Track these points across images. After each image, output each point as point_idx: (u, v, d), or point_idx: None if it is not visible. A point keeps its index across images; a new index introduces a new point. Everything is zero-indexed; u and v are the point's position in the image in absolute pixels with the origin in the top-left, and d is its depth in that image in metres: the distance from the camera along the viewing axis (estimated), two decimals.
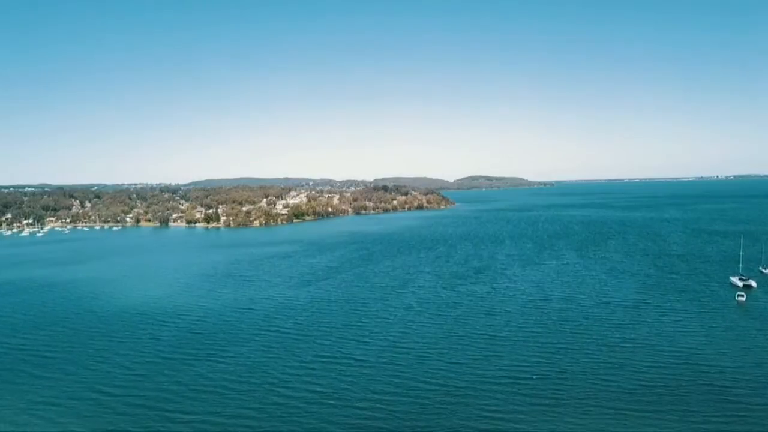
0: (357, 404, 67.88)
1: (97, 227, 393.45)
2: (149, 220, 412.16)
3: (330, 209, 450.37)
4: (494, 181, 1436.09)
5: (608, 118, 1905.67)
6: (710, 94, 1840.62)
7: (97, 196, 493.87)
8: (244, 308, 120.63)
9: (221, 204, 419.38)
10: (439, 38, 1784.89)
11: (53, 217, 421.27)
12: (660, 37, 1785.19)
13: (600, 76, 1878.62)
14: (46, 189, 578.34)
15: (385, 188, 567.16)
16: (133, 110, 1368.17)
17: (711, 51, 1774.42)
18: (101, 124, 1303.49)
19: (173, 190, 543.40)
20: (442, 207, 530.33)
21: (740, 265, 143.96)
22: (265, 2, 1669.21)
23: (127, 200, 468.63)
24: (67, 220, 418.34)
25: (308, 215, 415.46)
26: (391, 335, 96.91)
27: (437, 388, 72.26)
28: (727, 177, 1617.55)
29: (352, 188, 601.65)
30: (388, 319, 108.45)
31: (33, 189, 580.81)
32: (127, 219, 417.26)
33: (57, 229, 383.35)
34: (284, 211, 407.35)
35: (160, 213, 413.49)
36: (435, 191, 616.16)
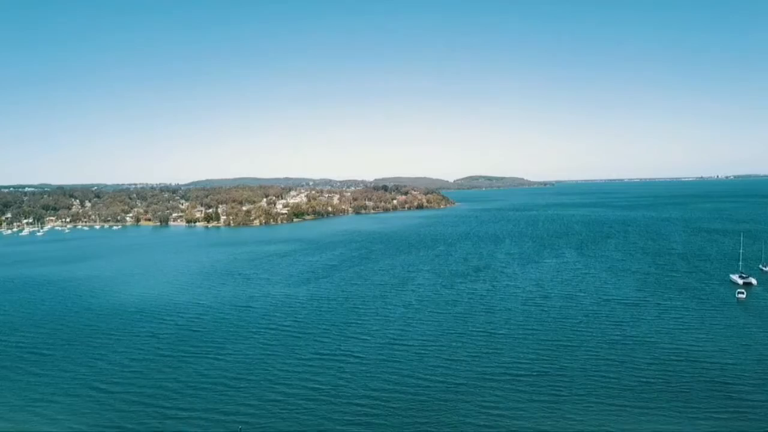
0: (356, 401, 67.61)
1: (97, 227, 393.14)
2: (149, 220, 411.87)
3: (330, 209, 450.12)
4: (494, 181, 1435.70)
5: (608, 117, 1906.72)
6: (710, 94, 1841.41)
7: (97, 196, 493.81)
8: (243, 306, 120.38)
9: (221, 203, 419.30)
10: (440, 38, 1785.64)
11: (53, 216, 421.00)
12: (660, 36, 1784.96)
13: (600, 76, 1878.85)
14: (46, 189, 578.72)
15: (385, 188, 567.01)
16: (133, 110, 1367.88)
17: (711, 51, 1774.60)
18: (101, 124, 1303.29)
19: (173, 190, 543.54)
20: (442, 206, 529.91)
21: (740, 263, 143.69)
22: (266, 2, 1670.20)
23: (127, 200, 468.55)
24: (67, 220, 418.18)
25: (308, 215, 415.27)
26: (390, 332, 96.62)
27: (436, 384, 71.99)
28: (727, 177, 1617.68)
29: (352, 188, 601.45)
30: (388, 316, 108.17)
31: (33, 189, 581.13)
32: (127, 218, 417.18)
33: (57, 228, 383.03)
34: (284, 211, 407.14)
35: (160, 212, 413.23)
36: (435, 191, 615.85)
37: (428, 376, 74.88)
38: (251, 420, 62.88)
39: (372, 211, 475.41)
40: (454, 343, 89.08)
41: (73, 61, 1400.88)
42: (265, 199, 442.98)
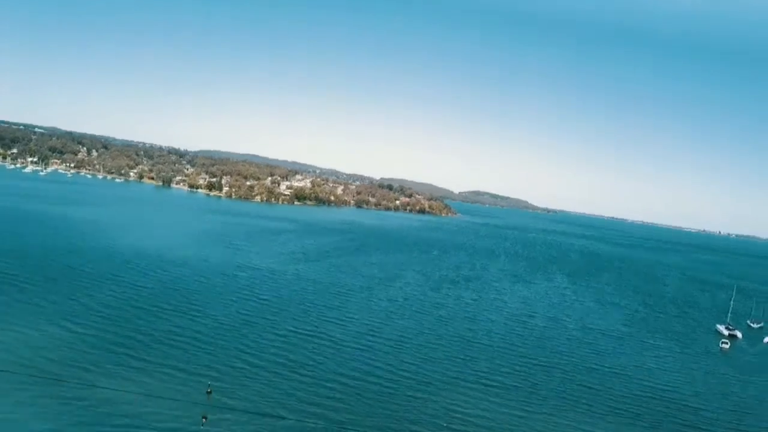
0: (324, 382, 66.54)
1: (100, 176, 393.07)
2: (152, 179, 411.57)
3: (332, 198, 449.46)
4: (498, 199, 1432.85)
5: (619, 156, 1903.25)
6: (722, 149, 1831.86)
7: (105, 147, 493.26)
8: (228, 274, 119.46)
9: (226, 174, 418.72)
10: (462, 49, 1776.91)
11: (58, 159, 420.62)
12: (672, 86, 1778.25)
13: (614, 114, 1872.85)
14: (56, 132, 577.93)
15: (390, 187, 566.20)
16: (152, 69, 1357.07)
17: (729, 106, 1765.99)
18: (121, 78, 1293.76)
19: (181, 154, 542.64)
20: (443, 214, 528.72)
21: (729, 315, 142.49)
22: None
23: (134, 155, 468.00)
24: (72, 165, 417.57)
25: (310, 200, 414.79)
26: (370, 323, 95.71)
27: (407, 380, 71.02)
28: (729, 234, 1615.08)
29: (358, 182, 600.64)
30: (371, 308, 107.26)
31: (43, 130, 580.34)
32: (131, 173, 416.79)
33: (60, 171, 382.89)
34: (287, 192, 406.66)
35: (164, 173, 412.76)
36: (438, 199, 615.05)
37: (400, 371, 73.94)
38: (214, 382, 61.52)
39: (374, 207, 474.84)
40: (431, 344, 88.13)
41: (98, 10, 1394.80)
42: (269, 178, 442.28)
